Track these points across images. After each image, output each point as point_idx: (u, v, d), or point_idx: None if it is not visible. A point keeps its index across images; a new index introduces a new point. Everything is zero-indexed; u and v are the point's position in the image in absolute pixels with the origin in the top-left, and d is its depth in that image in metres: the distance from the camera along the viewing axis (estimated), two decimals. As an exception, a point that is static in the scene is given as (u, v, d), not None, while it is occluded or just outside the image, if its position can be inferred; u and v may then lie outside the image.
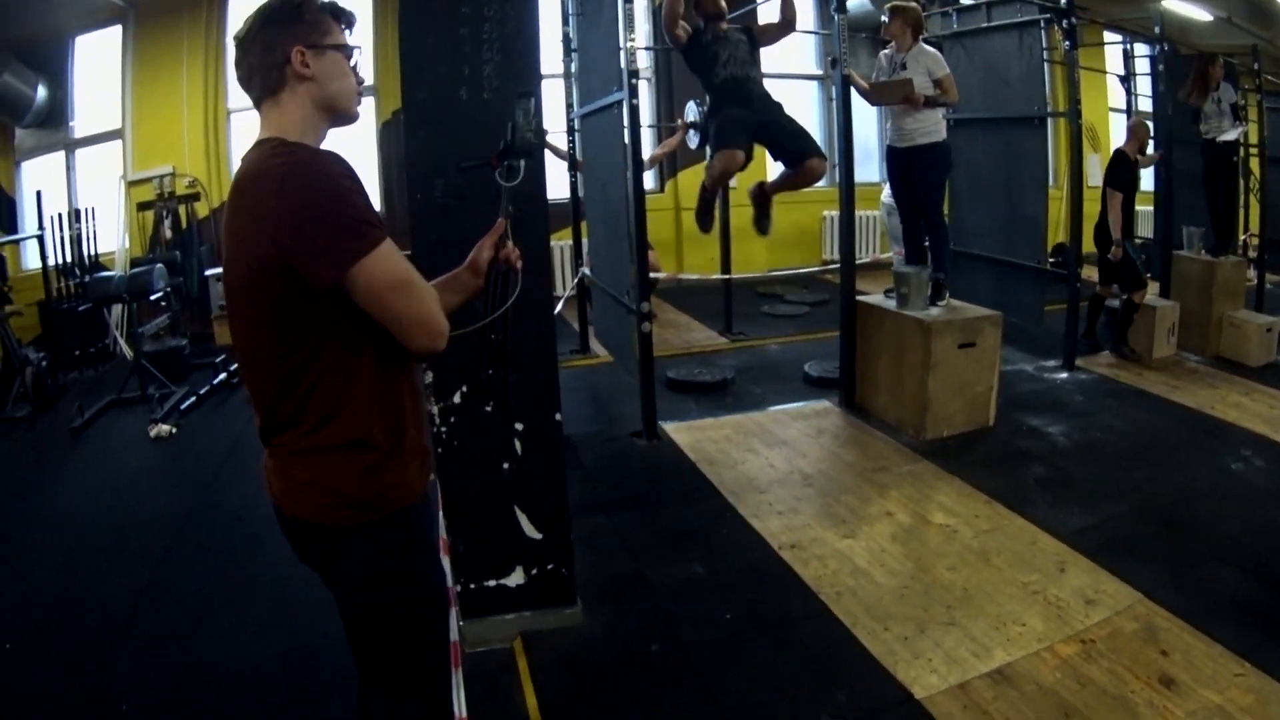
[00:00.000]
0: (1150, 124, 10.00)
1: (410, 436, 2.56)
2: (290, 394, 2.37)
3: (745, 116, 7.19)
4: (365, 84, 2.66)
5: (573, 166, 10.20)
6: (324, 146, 2.42)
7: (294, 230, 2.18)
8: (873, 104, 8.31)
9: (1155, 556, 5.21)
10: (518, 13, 4.13)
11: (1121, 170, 9.40)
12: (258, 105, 2.45)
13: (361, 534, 2.47)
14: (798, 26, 7.42)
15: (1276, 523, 5.67)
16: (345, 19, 2.53)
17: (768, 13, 8.89)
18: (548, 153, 8.96)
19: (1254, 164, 12.59)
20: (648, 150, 12.73)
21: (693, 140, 8.78)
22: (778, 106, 7.39)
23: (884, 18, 7.93)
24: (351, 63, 2.52)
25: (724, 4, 7.30)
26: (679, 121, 9.17)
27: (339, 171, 2.25)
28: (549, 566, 4.50)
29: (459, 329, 2.55)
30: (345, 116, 2.53)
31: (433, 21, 4.06)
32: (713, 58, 7.20)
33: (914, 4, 7.97)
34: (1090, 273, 9.89)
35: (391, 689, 2.67)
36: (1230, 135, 10.14)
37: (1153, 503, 5.99)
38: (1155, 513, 5.84)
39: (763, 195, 7.72)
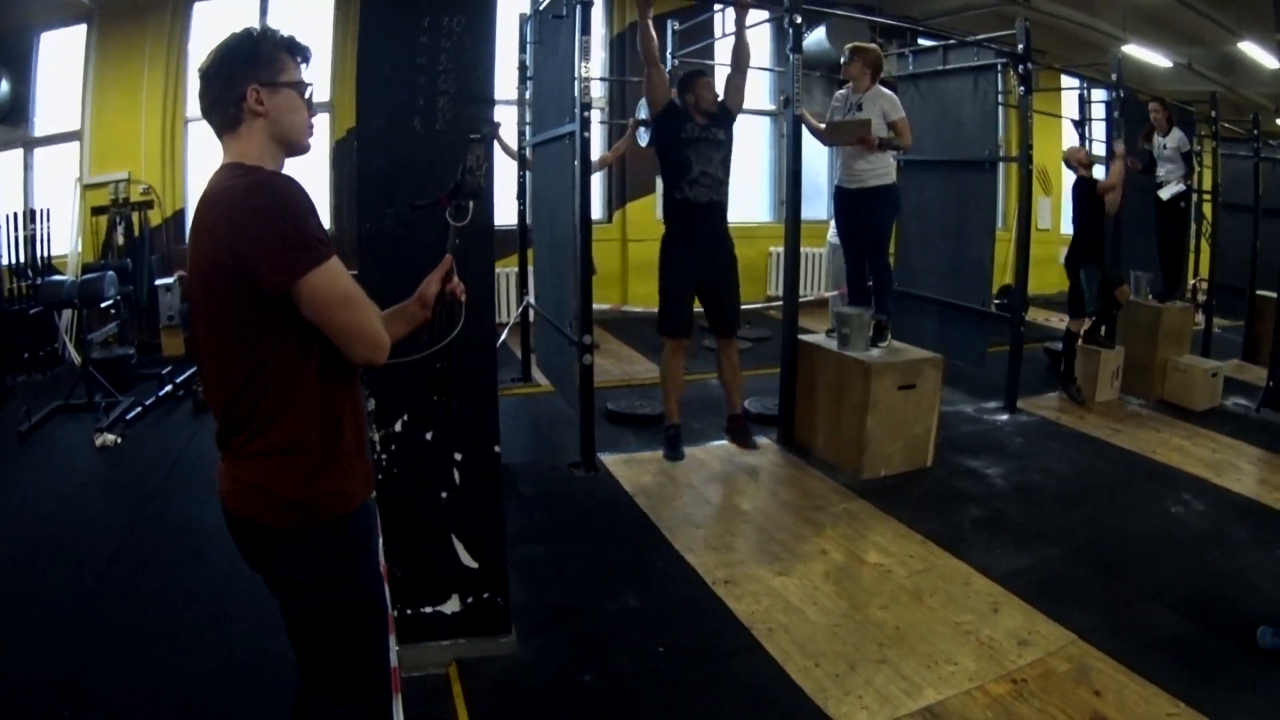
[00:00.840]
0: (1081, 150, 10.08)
1: (348, 446, 2.67)
2: (241, 399, 2.49)
3: (691, 281, 7.32)
4: (318, 114, 2.79)
5: (522, 165, 10.22)
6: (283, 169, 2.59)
7: (249, 240, 2.34)
8: (826, 144, 8.36)
9: (1090, 598, 5.28)
10: (475, 44, 4.18)
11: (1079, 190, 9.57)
12: (219, 135, 2.60)
13: (300, 537, 2.58)
14: (752, 64, 7.44)
15: (1214, 565, 5.76)
16: (300, 54, 2.67)
17: (723, 49, 8.97)
18: (497, 148, 8.98)
19: (1206, 209, 12.76)
20: (597, 180, 12.83)
21: (643, 138, 8.74)
22: (725, 260, 7.50)
23: (843, 58, 7.98)
24: (305, 98, 2.67)
25: (713, 97, 7.24)
26: (629, 120, 9.09)
27: (293, 191, 2.42)
28: (484, 595, 4.52)
29: (407, 355, 2.71)
30: (298, 148, 2.69)
31: (390, 49, 4.11)
32: (683, 164, 7.16)
33: (874, 45, 8.05)
34: (1035, 314, 9.97)
35: (334, 693, 2.78)
36: (1168, 193, 10.26)
37: (1090, 545, 6.06)
38: (1092, 555, 5.91)
39: (735, 420, 7.79)
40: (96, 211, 11.69)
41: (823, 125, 7.98)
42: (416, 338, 2.89)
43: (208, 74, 2.58)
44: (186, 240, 2.67)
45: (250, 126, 2.57)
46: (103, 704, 4.17)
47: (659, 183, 13.00)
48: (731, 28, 7.43)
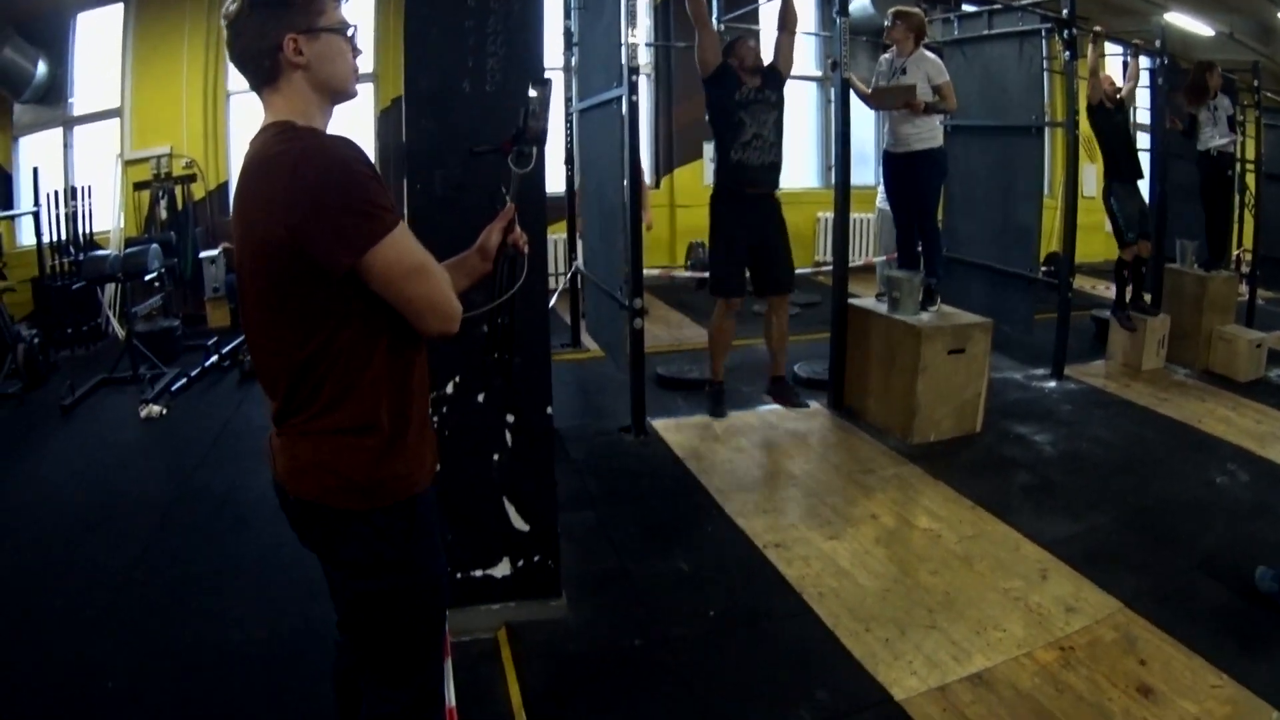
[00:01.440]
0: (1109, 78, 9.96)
1: (416, 420, 2.56)
2: (305, 379, 2.36)
3: (742, 243, 7.31)
4: (362, 56, 2.61)
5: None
6: (330, 128, 2.42)
7: (307, 216, 2.16)
8: (873, 108, 8.32)
9: (1137, 566, 5.23)
10: (523, 6, 4.15)
11: (1093, 118, 9.46)
12: (256, 90, 2.43)
13: (365, 520, 2.46)
14: (799, 29, 7.40)
15: (1258, 536, 5.67)
16: None
17: (768, 13, 8.91)
18: None
19: (1250, 180, 12.64)
20: (645, 145, 12.81)
21: None
22: (776, 221, 7.53)
23: (887, 22, 7.94)
24: (349, 40, 2.49)
25: (761, 58, 7.26)
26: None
27: (351, 155, 2.23)
28: (535, 558, 4.53)
29: (468, 311, 2.53)
30: (344, 96, 2.51)
31: (438, 12, 4.08)
32: (736, 125, 7.15)
33: (917, 10, 8.00)
34: (1082, 282, 9.89)
35: (384, 674, 2.67)
36: (1218, 142, 10.13)
37: (1136, 513, 6.00)
38: (1138, 523, 5.85)
39: (778, 382, 7.85)
40: (138, 187, 11.78)
41: (869, 90, 7.92)
42: (472, 292, 2.80)
43: (236, 23, 2.36)
44: (231, 211, 2.49)
45: (289, 79, 2.38)
46: (148, 674, 4.20)
47: (706, 148, 12.96)
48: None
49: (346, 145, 2.26)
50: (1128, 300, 9.66)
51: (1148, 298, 9.83)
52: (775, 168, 7.36)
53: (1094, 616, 4.68)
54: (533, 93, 2.87)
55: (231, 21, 2.36)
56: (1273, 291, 13.06)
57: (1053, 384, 9.01)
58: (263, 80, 2.39)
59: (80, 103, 12.01)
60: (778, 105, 7.28)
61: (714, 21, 9.98)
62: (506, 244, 2.80)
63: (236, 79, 12.23)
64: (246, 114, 12.19)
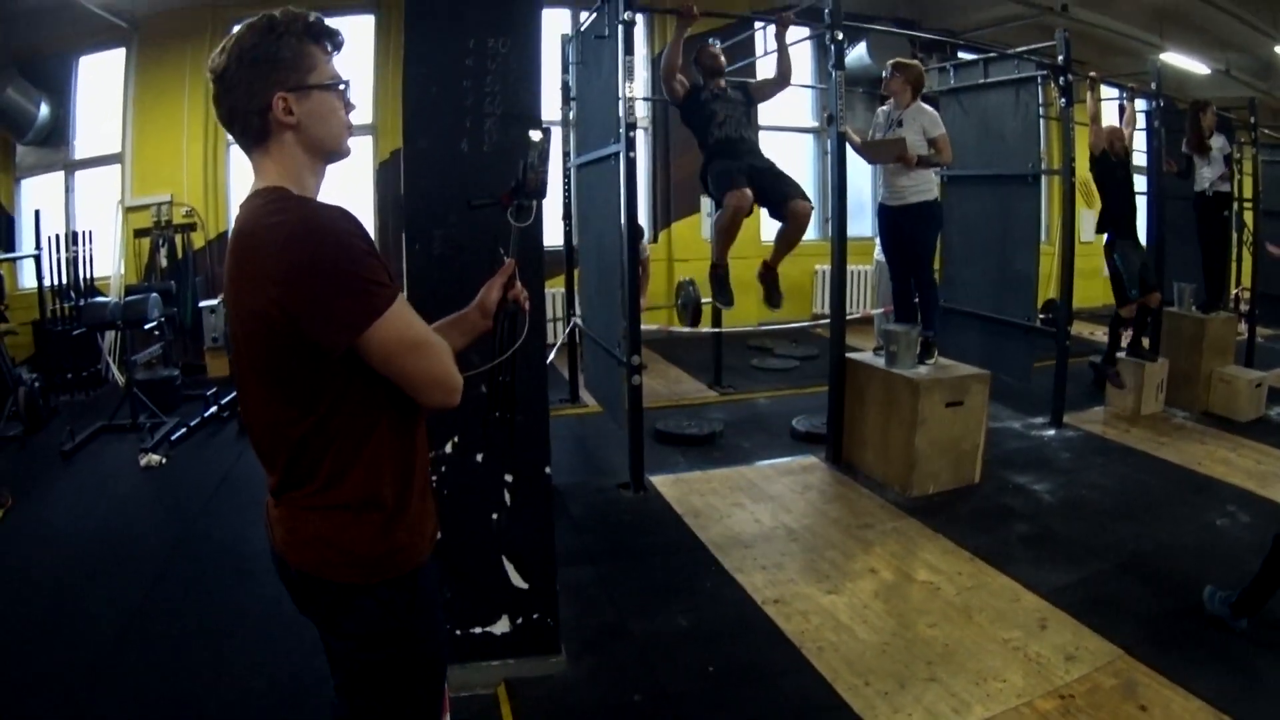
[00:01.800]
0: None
1: (418, 492, 2.50)
2: (303, 454, 2.30)
3: (736, 165, 7.19)
4: (356, 111, 2.49)
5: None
6: (323, 192, 2.37)
7: (302, 294, 2.09)
8: (868, 161, 8.33)
9: (1137, 612, 5.24)
10: (520, 65, 4.20)
11: (1095, 168, 9.48)
12: (245, 150, 2.35)
13: (368, 594, 2.40)
14: (794, 80, 7.45)
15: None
16: (330, 41, 2.39)
17: (765, 68, 8.96)
18: None
19: (1248, 217, 12.68)
20: (643, 200, 12.86)
21: None
22: (765, 158, 7.43)
23: (885, 73, 7.97)
24: (341, 96, 2.41)
25: (722, 60, 7.36)
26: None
27: (346, 229, 2.16)
28: (534, 616, 4.52)
29: (467, 371, 2.45)
30: (337, 155, 2.44)
31: (437, 72, 4.12)
32: (709, 116, 7.24)
33: (916, 62, 8.04)
34: (1080, 328, 9.91)
35: None
36: (1215, 182, 10.14)
37: (1136, 559, 6.01)
38: (1138, 569, 5.87)
39: (769, 271, 7.71)
40: (139, 234, 11.85)
41: (861, 143, 7.95)
42: (470, 351, 2.72)
43: (223, 78, 2.27)
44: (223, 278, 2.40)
45: (280, 140, 2.30)
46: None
47: (705, 202, 13.00)
48: (773, 45, 7.43)
49: (342, 217, 2.18)
50: (1118, 352, 9.69)
51: (1146, 342, 9.84)
52: (755, 143, 7.46)
53: (1094, 664, 4.67)
54: (533, 141, 2.83)
55: (218, 76, 2.29)
56: (1272, 329, 13.11)
57: (1051, 432, 9.02)
58: (252, 140, 2.32)
59: (82, 146, 12.12)
60: (747, 105, 7.40)
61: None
62: (507, 300, 2.73)
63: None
64: (247, 164, 12.23)
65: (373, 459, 2.34)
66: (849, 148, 7.80)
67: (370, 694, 2.55)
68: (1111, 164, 9.26)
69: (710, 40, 7.57)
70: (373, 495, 2.35)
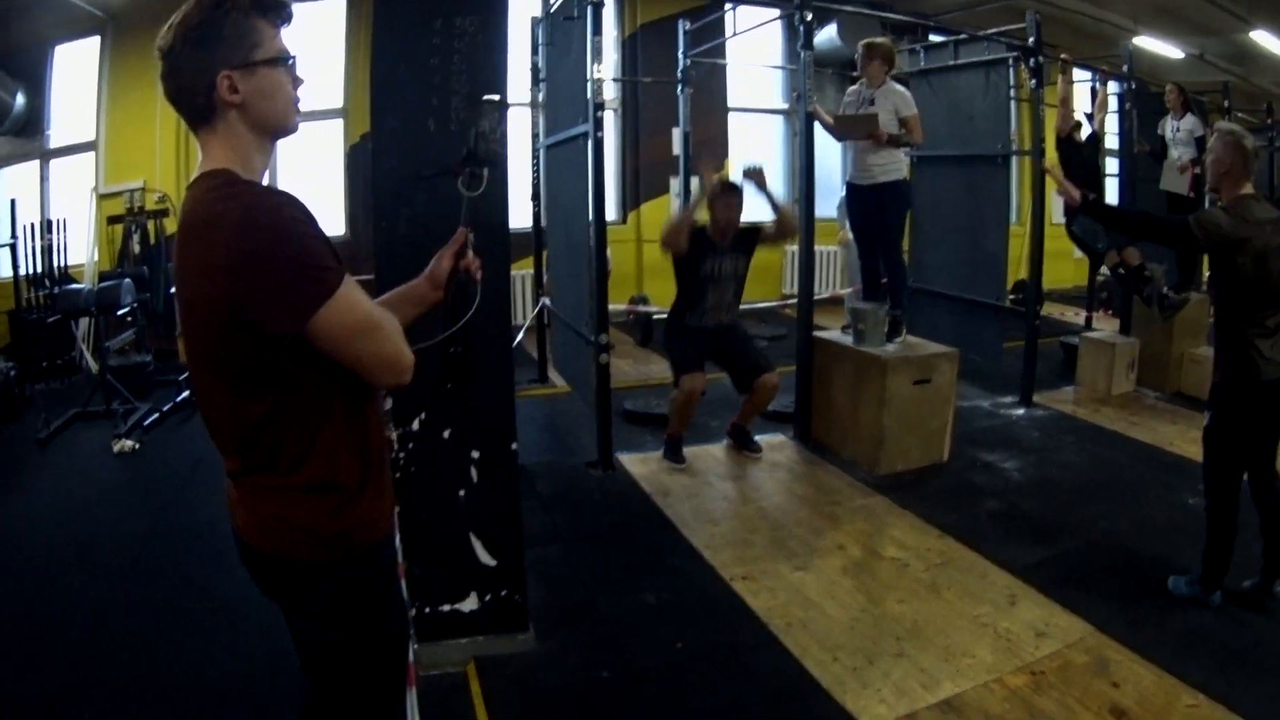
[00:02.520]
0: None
1: (376, 473, 2.50)
2: (259, 441, 2.30)
3: (701, 346, 7.31)
4: (305, 85, 2.41)
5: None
6: (295, 175, 2.34)
7: (249, 282, 2.08)
8: (838, 139, 8.29)
9: (1108, 590, 5.27)
10: (487, 44, 4.20)
11: (1061, 148, 9.64)
12: (192, 128, 2.30)
13: (328, 572, 2.40)
14: (764, 62, 7.44)
15: (1233, 557, 5.73)
16: (278, 14, 2.32)
17: (734, 47, 8.93)
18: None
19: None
20: (611, 180, 12.86)
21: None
22: (736, 331, 7.51)
23: (858, 55, 7.95)
24: (287, 72, 2.35)
25: (736, 213, 7.28)
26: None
27: (291, 215, 2.14)
28: (502, 593, 4.54)
29: (417, 344, 2.42)
30: (284, 132, 2.39)
31: (404, 51, 4.12)
32: (699, 294, 7.29)
33: (886, 40, 8.04)
34: (1051, 309, 9.94)
35: (347, 717, 2.63)
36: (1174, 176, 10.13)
37: (1107, 537, 6.05)
38: (1109, 547, 5.90)
39: (736, 429, 7.76)
40: (112, 220, 11.76)
41: (833, 120, 7.95)
42: (428, 322, 2.71)
43: (169, 57, 2.22)
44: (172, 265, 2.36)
45: (225, 119, 2.25)
46: (122, 707, 4.20)
47: (673, 183, 12.99)
48: (743, 25, 7.42)
49: (288, 203, 2.16)
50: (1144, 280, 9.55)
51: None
52: (731, 324, 7.54)
53: (1064, 641, 4.70)
54: (485, 108, 2.86)
55: (164, 54, 2.24)
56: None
57: (1021, 411, 9.07)
58: (197, 120, 2.27)
59: (57, 135, 12.02)
60: (743, 270, 7.44)
61: (679, 58, 10.15)
62: (458, 270, 2.73)
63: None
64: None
65: (329, 441, 2.34)
66: (818, 128, 7.78)
67: (334, 671, 2.55)
68: (1077, 144, 9.32)
69: (727, 187, 7.36)
70: (331, 477, 2.36)
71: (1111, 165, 11.96)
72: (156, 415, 8.68)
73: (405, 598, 3.16)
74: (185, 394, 9.09)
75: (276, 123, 2.34)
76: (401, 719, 2.88)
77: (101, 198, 11.79)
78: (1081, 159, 9.40)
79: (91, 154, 11.95)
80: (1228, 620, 4.91)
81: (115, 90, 11.80)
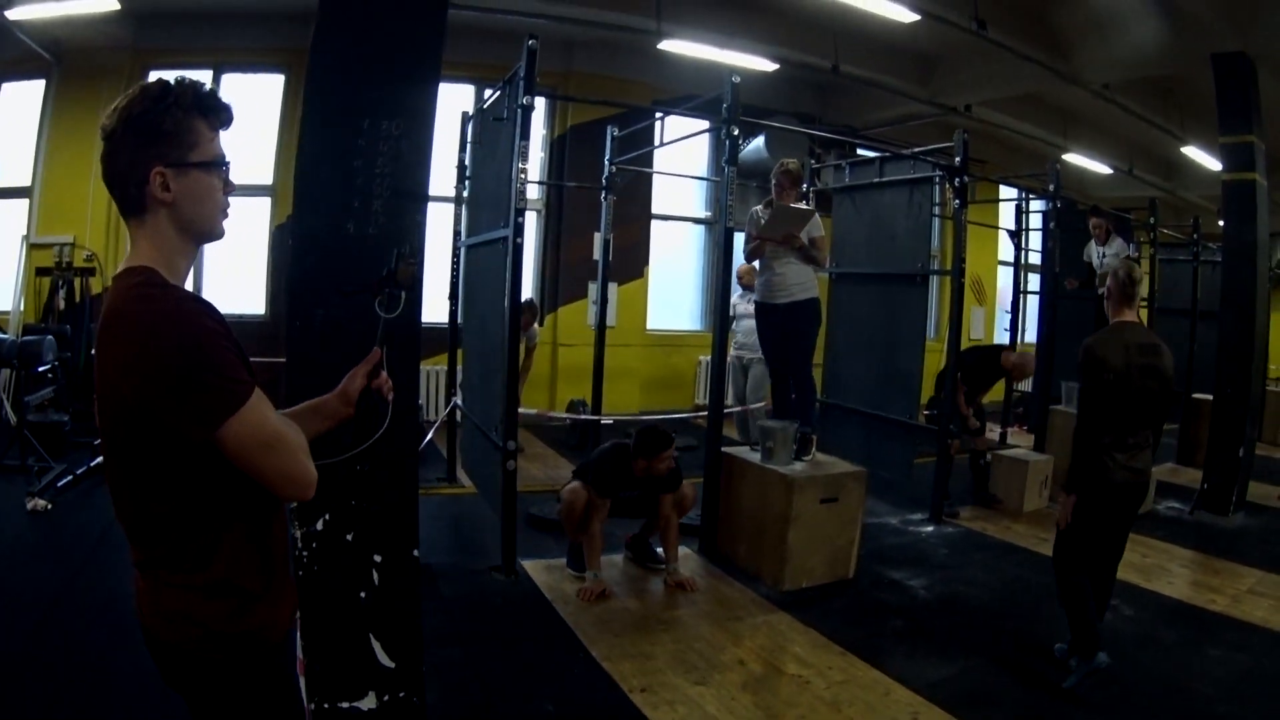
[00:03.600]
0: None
1: (279, 576, 2.50)
2: (160, 538, 2.31)
3: (627, 486, 7.19)
4: (235, 193, 2.44)
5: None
6: (220, 251, 2.33)
7: (160, 387, 2.11)
8: (765, 238, 8.16)
9: (1014, 707, 5.34)
10: (412, 148, 4.25)
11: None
12: (124, 218, 2.32)
13: (228, 669, 2.40)
14: (687, 171, 7.51)
15: (1144, 668, 5.86)
16: (218, 116, 2.37)
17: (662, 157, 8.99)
18: None
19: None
20: (530, 282, 12.96)
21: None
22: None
23: (774, 181, 7.98)
24: (220, 177, 2.38)
25: (662, 470, 7.10)
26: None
27: (208, 326, 2.16)
28: (400, 694, 4.50)
29: (329, 458, 2.48)
30: (209, 237, 2.41)
31: (329, 150, 4.17)
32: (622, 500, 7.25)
33: (796, 163, 8.08)
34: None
35: None
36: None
37: (1014, 654, 6.11)
38: (1016, 664, 5.96)
39: (637, 541, 7.76)
40: (40, 272, 11.69)
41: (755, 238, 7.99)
42: (336, 435, 2.75)
43: (111, 141, 2.26)
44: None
45: (155, 215, 2.28)
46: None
47: (591, 288, 13.08)
48: (670, 135, 7.47)
49: (206, 313, 2.19)
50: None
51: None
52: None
53: (966, 759, 4.67)
54: (406, 236, 2.83)
55: (106, 136, 2.27)
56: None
57: (930, 528, 9.14)
58: (128, 210, 2.30)
59: (-4, 176, 12.01)
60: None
61: (605, 165, 10.31)
62: (370, 389, 2.74)
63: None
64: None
65: (232, 544, 2.34)
66: (738, 241, 7.94)
67: None
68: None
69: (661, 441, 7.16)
70: (234, 578, 2.35)
71: (1034, 282, 12.22)
72: (71, 477, 8.58)
73: (304, 696, 3.15)
74: (99, 459, 8.98)
75: (203, 227, 2.37)
76: None
77: (32, 247, 11.71)
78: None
79: (26, 200, 11.88)
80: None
81: (55, 139, 11.84)
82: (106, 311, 2.22)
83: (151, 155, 2.23)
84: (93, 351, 2.29)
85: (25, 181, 12.01)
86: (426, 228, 4.39)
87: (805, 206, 7.87)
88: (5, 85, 12.02)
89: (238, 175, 2.42)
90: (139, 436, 2.20)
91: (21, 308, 11.65)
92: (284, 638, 2.55)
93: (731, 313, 10.44)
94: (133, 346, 2.13)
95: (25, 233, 11.80)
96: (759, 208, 8.22)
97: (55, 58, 11.66)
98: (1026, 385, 10.75)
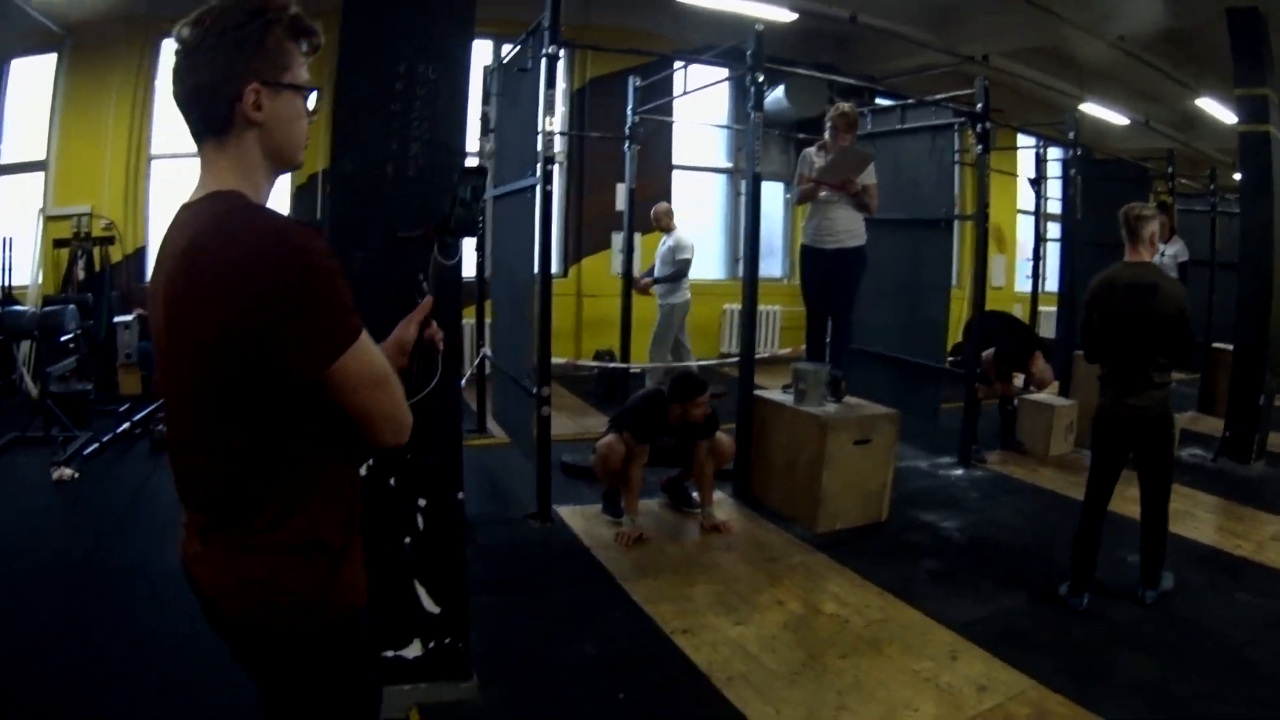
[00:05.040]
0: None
1: (358, 536, 2.34)
2: (246, 489, 2.10)
3: (664, 433, 7.22)
4: (315, 120, 2.26)
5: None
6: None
7: (275, 318, 1.92)
8: (822, 181, 8.04)
9: (1049, 645, 5.32)
10: (449, 92, 4.22)
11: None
12: (196, 138, 2.12)
13: (313, 638, 2.22)
14: (710, 120, 7.47)
15: (1175, 611, 5.83)
16: (310, 40, 2.19)
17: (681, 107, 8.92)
18: None
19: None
20: (554, 234, 12.93)
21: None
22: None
23: (830, 125, 7.92)
24: (309, 104, 2.21)
25: (698, 416, 7.11)
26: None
27: (320, 249, 1.97)
28: (446, 640, 4.52)
29: None
30: (291, 166, 2.25)
31: (366, 94, 4.12)
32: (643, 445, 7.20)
33: (851, 105, 8.05)
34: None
35: None
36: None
37: (1047, 594, 6.08)
38: (1049, 604, 5.95)
39: (674, 484, 7.84)
40: (58, 244, 11.69)
41: (813, 178, 7.93)
42: None
43: (194, 53, 2.05)
44: (151, 286, 2.12)
45: (241, 136, 2.09)
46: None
47: (614, 238, 13.05)
48: (693, 85, 7.42)
49: (314, 235, 1.98)
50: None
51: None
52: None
53: (1007, 694, 4.73)
54: (467, 174, 2.68)
55: (188, 49, 2.06)
56: (1185, 374, 13.33)
57: (960, 472, 9.16)
58: (210, 129, 2.10)
59: (9, 151, 11.94)
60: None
61: (628, 114, 10.24)
62: (422, 339, 2.59)
63: (160, 143, 12.24)
64: (168, 180, 12.24)
65: (321, 497, 2.18)
66: (765, 189, 7.80)
67: None
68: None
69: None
70: (319, 535, 2.17)
71: (1054, 230, 12.16)
72: (96, 445, 8.55)
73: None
74: (125, 426, 8.98)
75: (288, 153, 2.21)
76: None
77: (48, 219, 11.70)
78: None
79: (41, 174, 11.87)
80: (1172, 672, 4.98)
81: (68, 111, 11.79)
82: (186, 239, 2.02)
83: (249, 69, 2.06)
84: (144, 302, 2.16)
85: (40, 155, 11.96)
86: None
87: (865, 152, 7.80)
88: (17, 60, 11.96)
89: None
90: (233, 377, 2.00)
91: (40, 280, 11.63)
92: (366, 602, 2.39)
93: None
94: (232, 273, 1.92)
95: (41, 205, 11.76)
96: (812, 150, 8.16)
97: (66, 30, 11.60)
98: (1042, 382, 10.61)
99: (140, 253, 12.06)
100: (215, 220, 1.99)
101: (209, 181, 2.11)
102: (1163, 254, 10.37)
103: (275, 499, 2.11)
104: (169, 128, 11.92)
